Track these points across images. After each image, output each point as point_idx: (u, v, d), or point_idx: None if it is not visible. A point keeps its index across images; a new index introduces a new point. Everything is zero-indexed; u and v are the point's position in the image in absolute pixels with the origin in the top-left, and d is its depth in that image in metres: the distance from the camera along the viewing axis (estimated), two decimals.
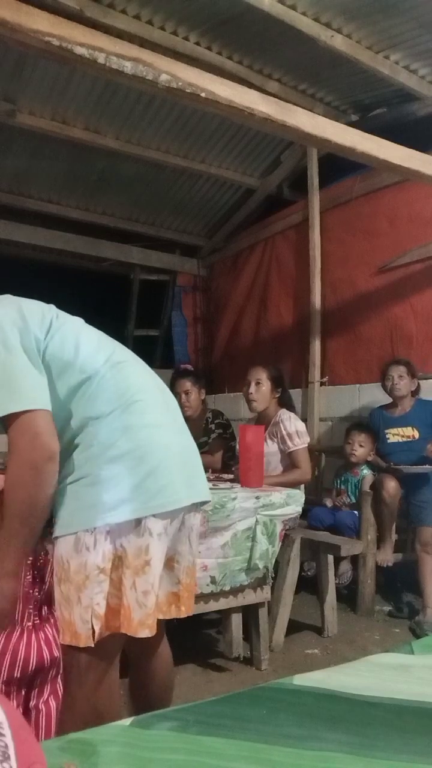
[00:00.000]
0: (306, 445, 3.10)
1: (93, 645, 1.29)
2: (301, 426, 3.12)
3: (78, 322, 1.50)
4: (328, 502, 3.61)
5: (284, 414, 3.15)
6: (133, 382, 1.42)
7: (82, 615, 1.30)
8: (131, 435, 1.34)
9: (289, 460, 3.09)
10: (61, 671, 1.46)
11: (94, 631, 1.29)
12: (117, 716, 1.29)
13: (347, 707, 1.06)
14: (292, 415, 3.18)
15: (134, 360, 1.51)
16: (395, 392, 3.44)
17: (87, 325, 1.52)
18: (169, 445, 1.40)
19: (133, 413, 1.36)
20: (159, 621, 1.45)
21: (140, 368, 1.50)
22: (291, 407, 3.28)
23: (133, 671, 1.60)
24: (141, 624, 1.31)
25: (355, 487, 3.55)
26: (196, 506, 1.50)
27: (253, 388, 3.19)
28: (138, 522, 1.32)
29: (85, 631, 1.29)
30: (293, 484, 2.87)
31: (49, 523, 1.36)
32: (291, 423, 3.10)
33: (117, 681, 1.41)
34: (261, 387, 3.18)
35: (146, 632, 1.32)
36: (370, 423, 3.63)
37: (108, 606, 1.32)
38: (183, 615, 1.49)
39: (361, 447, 3.53)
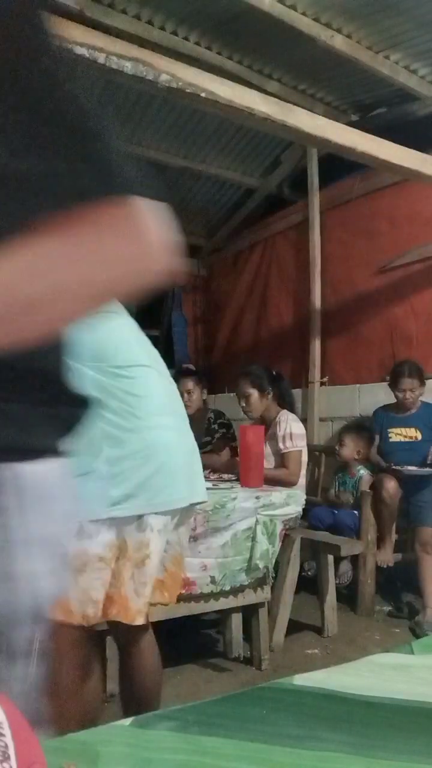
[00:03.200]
0: (298, 448, 3.07)
1: (86, 625, 1.38)
2: (296, 429, 3.11)
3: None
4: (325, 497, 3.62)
5: (283, 416, 3.15)
6: (148, 386, 1.49)
7: (78, 596, 1.37)
8: (140, 436, 1.42)
9: (282, 461, 3.09)
10: None
11: (87, 614, 1.37)
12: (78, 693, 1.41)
13: (347, 707, 1.06)
14: (291, 416, 3.16)
15: (153, 361, 1.56)
16: (407, 404, 3.43)
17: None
18: (175, 447, 1.47)
19: (144, 415, 1.44)
20: None
21: (157, 373, 1.55)
22: (290, 405, 3.28)
23: (120, 660, 1.63)
24: (138, 612, 1.41)
25: (353, 487, 3.55)
26: (193, 504, 1.56)
27: (243, 402, 3.23)
28: (140, 517, 1.40)
29: (80, 611, 1.38)
30: (276, 482, 2.85)
31: None
32: (287, 425, 3.09)
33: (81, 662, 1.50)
34: (250, 398, 3.19)
35: (141, 620, 1.42)
36: (374, 421, 3.63)
37: (105, 595, 1.40)
38: (167, 601, 1.57)
39: (343, 446, 3.54)
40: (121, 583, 1.39)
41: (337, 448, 3.61)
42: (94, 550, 1.37)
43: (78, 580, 1.37)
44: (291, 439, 3.06)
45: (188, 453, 1.56)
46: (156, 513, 1.41)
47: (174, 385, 1.65)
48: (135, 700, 1.56)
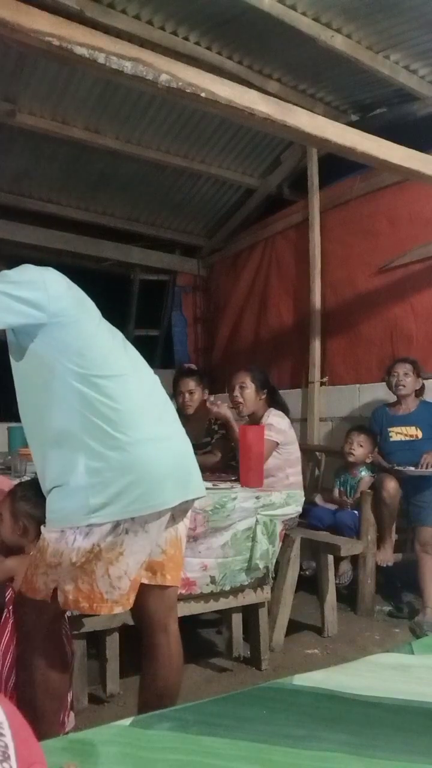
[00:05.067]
0: (273, 440, 3.01)
1: (49, 600, 1.48)
2: (277, 422, 3.07)
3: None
4: (318, 500, 3.59)
5: (270, 411, 3.14)
6: (129, 396, 1.51)
7: (46, 582, 1.48)
8: (122, 452, 1.45)
9: None
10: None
11: (54, 595, 1.47)
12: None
13: (347, 707, 1.06)
14: (279, 413, 3.14)
15: (133, 370, 1.59)
16: (400, 389, 3.44)
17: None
18: (158, 458, 1.50)
19: (126, 430, 1.47)
20: (165, 597, 1.62)
21: (137, 380, 1.58)
22: (281, 407, 3.27)
23: (143, 647, 1.67)
24: (116, 603, 1.48)
25: (353, 488, 3.55)
26: (186, 502, 1.60)
27: (237, 392, 3.18)
28: (117, 524, 1.44)
29: (44, 590, 1.48)
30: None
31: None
32: (270, 417, 3.08)
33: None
34: (245, 390, 3.17)
35: (120, 609, 1.50)
36: (373, 421, 3.63)
37: (78, 589, 1.46)
38: (168, 583, 1.62)
39: (360, 447, 3.53)
40: (93, 581, 1.45)
41: (347, 449, 3.58)
42: (68, 554, 1.45)
43: (48, 573, 1.47)
44: (268, 428, 3.04)
45: (177, 456, 1.58)
46: (133, 518, 1.45)
47: (159, 386, 1.66)
48: (154, 695, 1.59)
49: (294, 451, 3.16)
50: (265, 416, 3.11)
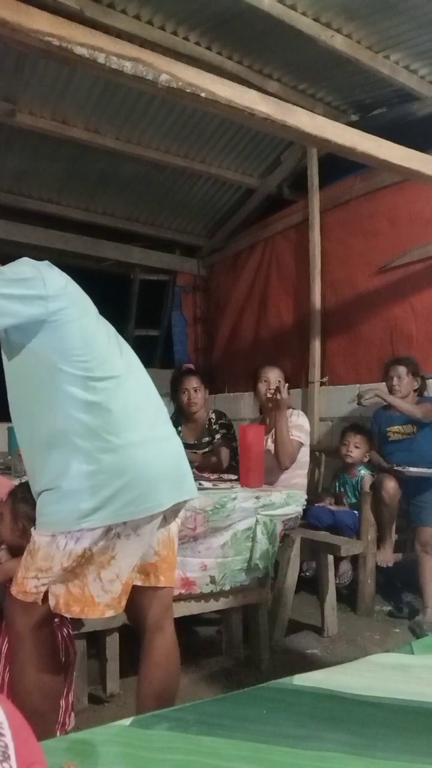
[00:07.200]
0: (300, 440, 3.07)
1: (40, 603, 1.46)
2: (303, 422, 3.13)
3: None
4: (327, 503, 3.60)
5: (294, 411, 3.17)
6: (125, 398, 1.49)
7: (37, 586, 1.45)
8: (114, 455, 1.43)
9: None
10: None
11: (45, 597, 1.45)
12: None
13: (347, 707, 1.06)
14: (303, 414, 3.21)
15: (129, 370, 1.56)
16: (395, 394, 3.44)
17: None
18: (151, 461, 1.48)
19: (119, 433, 1.45)
20: (159, 598, 1.61)
21: (133, 381, 1.56)
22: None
23: (141, 649, 1.66)
24: (108, 606, 1.46)
25: (354, 488, 3.55)
26: (179, 503, 1.59)
27: (275, 388, 3.09)
28: (108, 528, 1.42)
29: (35, 593, 1.46)
30: (285, 446, 2.96)
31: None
32: (297, 417, 3.12)
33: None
34: (282, 385, 3.16)
35: (112, 612, 1.48)
36: (374, 422, 3.63)
37: (69, 593, 1.44)
38: (162, 584, 1.61)
39: (356, 448, 3.53)
40: (85, 585, 1.44)
41: (344, 450, 3.57)
42: (59, 558, 1.43)
43: (39, 576, 1.45)
44: (297, 429, 3.07)
45: (175, 456, 1.57)
46: (125, 522, 1.43)
47: (152, 386, 1.63)
48: (152, 696, 1.58)
49: (305, 455, 3.18)
50: (294, 415, 3.12)
